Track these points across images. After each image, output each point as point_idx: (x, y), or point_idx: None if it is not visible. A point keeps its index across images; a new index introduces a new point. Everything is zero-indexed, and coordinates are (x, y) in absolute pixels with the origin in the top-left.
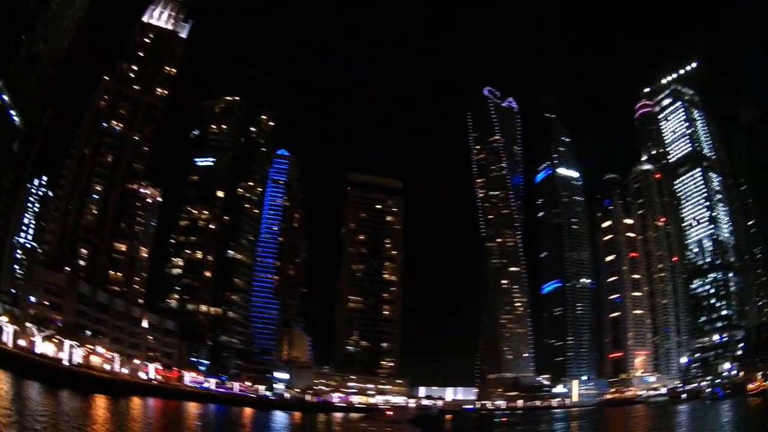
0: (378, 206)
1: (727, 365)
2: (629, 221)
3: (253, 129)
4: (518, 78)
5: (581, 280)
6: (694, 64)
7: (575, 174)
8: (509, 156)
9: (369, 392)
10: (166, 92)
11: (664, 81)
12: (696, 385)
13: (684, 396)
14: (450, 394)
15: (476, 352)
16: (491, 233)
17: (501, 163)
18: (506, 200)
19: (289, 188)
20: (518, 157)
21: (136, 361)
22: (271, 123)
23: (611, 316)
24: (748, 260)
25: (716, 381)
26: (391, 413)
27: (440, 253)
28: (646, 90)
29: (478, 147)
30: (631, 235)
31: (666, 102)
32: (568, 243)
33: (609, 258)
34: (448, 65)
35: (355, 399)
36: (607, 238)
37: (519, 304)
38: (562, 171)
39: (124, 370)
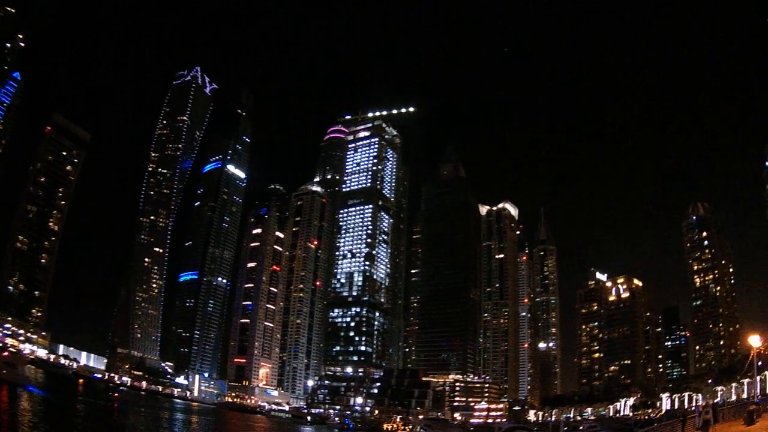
0: (64, 153)
1: (360, 400)
2: (281, 235)
3: None
4: (225, 68)
5: (218, 279)
6: (411, 109)
7: (242, 174)
8: (189, 139)
9: (19, 338)
10: None
11: (370, 114)
12: (322, 410)
13: (309, 418)
14: (84, 359)
15: (110, 323)
16: (147, 209)
17: (179, 144)
18: (171, 181)
19: None
20: (197, 143)
21: None
22: None
23: (241, 321)
24: (401, 306)
25: (346, 412)
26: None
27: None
28: (347, 117)
29: (165, 122)
30: (279, 248)
31: (363, 134)
32: (215, 239)
33: (251, 264)
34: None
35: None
36: (253, 244)
37: (155, 285)
38: (231, 168)
39: None
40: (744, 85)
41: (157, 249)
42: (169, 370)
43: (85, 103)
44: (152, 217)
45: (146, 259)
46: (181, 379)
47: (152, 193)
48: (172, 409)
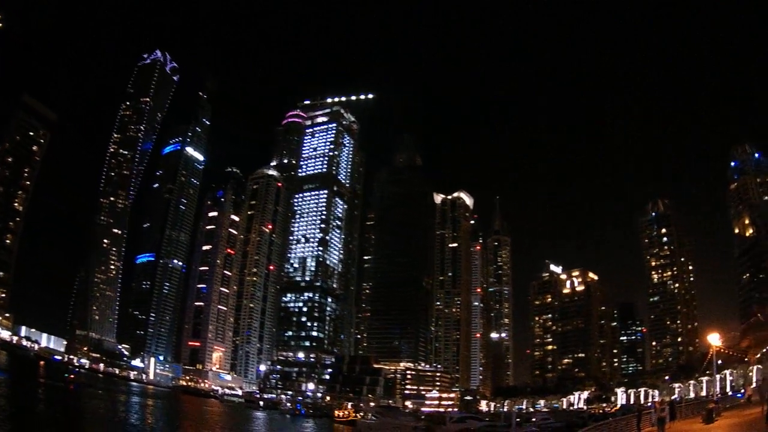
0: (31, 133)
1: (311, 385)
2: (236, 218)
3: None
4: (189, 51)
5: (174, 261)
6: (370, 96)
7: (200, 157)
8: (151, 121)
9: None
10: None
11: (329, 99)
12: (274, 395)
13: (261, 403)
14: (45, 340)
15: (69, 304)
16: (108, 190)
17: (141, 125)
18: (131, 162)
19: None
20: (158, 125)
21: None
22: None
23: (195, 304)
24: (354, 292)
25: (298, 398)
26: None
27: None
28: (306, 102)
29: (128, 103)
30: (234, 232)
31: (321, 120)
32: (172, 221)
33: (206, 247)
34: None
35: None
36: (209, 227)
37: (113, 267)
38: (189, 150)
39: None
40: (711, 83)
41: (116, 230)
42: (126, 353)
43: (52, 84)
44: (112, 198)
45: (105, 241)
46: (137, 362)
47: (113, 174)
48: (129, 392)
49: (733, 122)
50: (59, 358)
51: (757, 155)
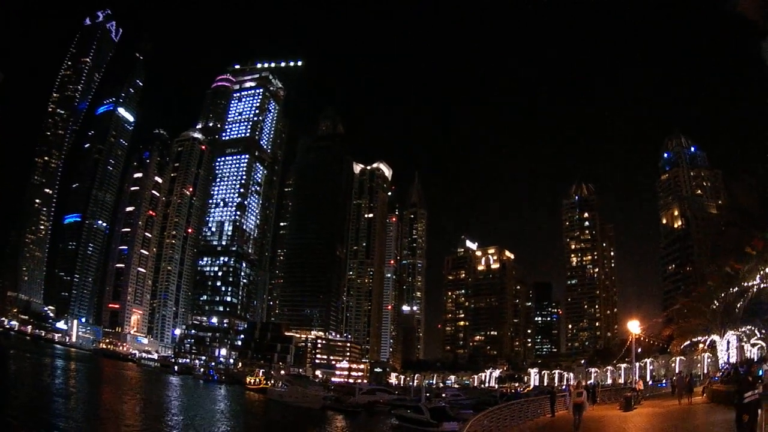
0: None
1: (224, 351)
2: (159, 180)
3: None
4: (128, 8)
5: (99, 222)
6: (299, 63)
7: (131, 118)
8: (88, 81)
9: None
10: None
11: (259, 65)
12: (188, 360)
13: (176, 368)
14: None
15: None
16: (43, 149)
17: (78, 85)
18: (67, 122)
19: None
20: (95, 85)
21: None
22: None
23: (117, 266)
24: (268, 258)
25: (210, 363)
26: None
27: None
28: (236, 66)
29: (69, 63)
30: (156, 194)
31: (249, 84)
32: (99, 181)
33: (129, 209)
34: None
35: None
36: (133, 188)
37: (43, 227)
38: (121, 111)
39: None
40: (646, 70)
41: (47, 190)
42: (51, 315)
43: None
44: (46, 158)
45: (36, 201)
46: (61, 324)
47: (48, 133)
48: (53, 355)
49: (668, 113)
50: None
51: (693, 149)
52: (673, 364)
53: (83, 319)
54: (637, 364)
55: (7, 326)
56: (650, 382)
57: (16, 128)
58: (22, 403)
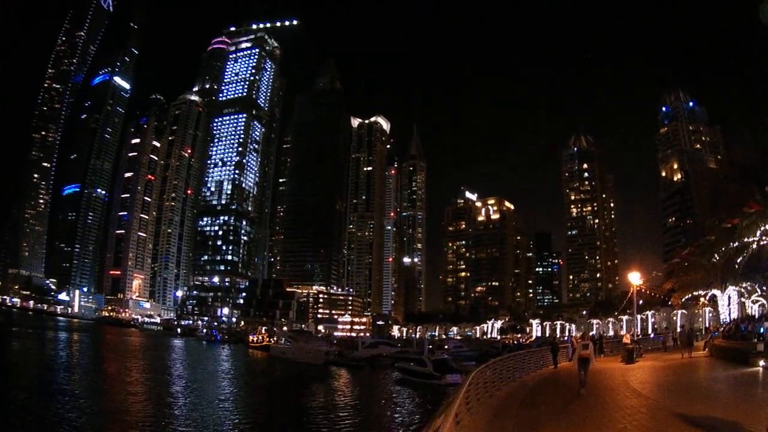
0: None
1: (226, 310)
2: (157, 144)
3: None
4: None
5: (98, 190)
6: (294, 22)
7: (127, 86)
8: (84, 54)
9: None
10: None
11: (254, 26)
12: (190, 321)
13: (179, 330)
14: None
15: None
16: (40, 124)
17: (73, 59)
18: (62, 95)
19: None
20: (90, 57)
21: None
22: None
23: (117, 232)
24: (268, 215)
25: (213, 323)
26: None
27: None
28: (231, 28)
29: (64, 38)
30: (155, 158)
31: (244, 45)
32: (96, 150)
33: (128, 174)
34: None
35: None
36: (132, 154)
37: (42, 201)
38: (117, 80)
39: None
40: (643, 29)
41: (45, 164)
42: (53, 287)
43: None
44: (43, 133)
45: (35, 175)
46: (63, 296)
47: (45, 108)
48: (56, 328)
49: (667, 66)
50: None
51: (691, 103)
52: (674, 318)
53: (85, 289)
54: (639, 317)
55: (9, 304)
56: (651, 335)
57: (12, 108)
58: (25, 383)
